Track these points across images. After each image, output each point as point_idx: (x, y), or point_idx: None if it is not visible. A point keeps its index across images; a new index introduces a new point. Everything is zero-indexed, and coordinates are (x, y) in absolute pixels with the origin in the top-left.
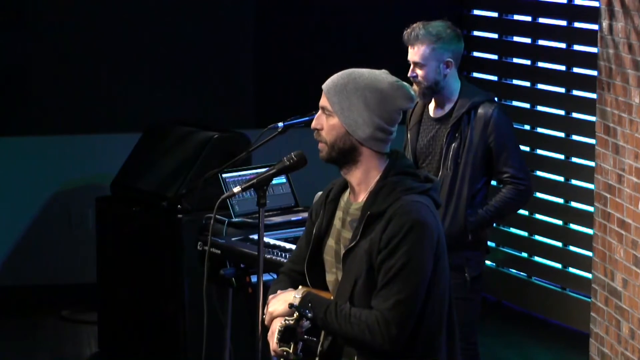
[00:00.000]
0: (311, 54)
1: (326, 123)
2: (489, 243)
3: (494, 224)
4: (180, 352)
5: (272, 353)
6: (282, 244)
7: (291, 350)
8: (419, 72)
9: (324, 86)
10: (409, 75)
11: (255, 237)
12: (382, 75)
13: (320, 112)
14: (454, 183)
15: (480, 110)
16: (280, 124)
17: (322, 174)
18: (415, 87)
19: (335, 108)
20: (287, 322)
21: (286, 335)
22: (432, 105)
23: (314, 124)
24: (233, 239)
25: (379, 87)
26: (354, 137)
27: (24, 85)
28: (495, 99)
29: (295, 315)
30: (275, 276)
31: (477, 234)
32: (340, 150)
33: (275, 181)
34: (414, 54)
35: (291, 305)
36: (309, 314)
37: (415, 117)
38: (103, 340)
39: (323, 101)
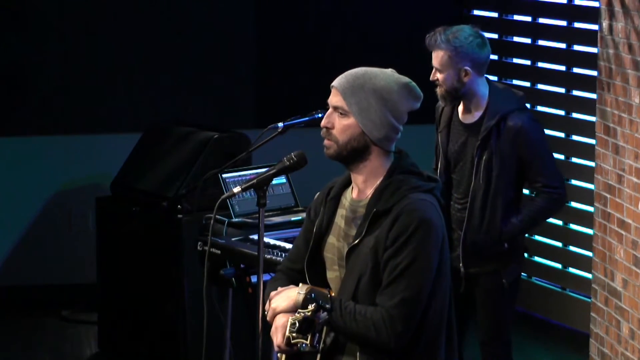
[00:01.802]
0: (311, 54)
1: (339, 122)
2: None
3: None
4: (180, 352)
5: (276, 349)
6: (282, 244)
7: (308, 342)
8: (439, 76)
9: (337, 85)
10: (431, 78)
11: (255, 237)
12: (395, 75)
13: (331, 110)
14: (486, 195)
15: (509, 122)
16: (280, 124)
17: (322, 174)
18: (438, 90)
19: (352, 108)
20: (303, 313)
21: (304, 326)
22: (461, 108)
23: (324, 122)
24: (233, 239)
25: (395, 88)
26: (368, 137)
27: (24, 85)
28: (527, 104)
29: (311, 306)
30: None
31: (513, 243)
32: (352, 149)
33: (275, 181)
34: (434, 59)
35: (310, 296)
36: (327, 305)
37: (444, 120)
38: (103, 340)
39: (337, 101)
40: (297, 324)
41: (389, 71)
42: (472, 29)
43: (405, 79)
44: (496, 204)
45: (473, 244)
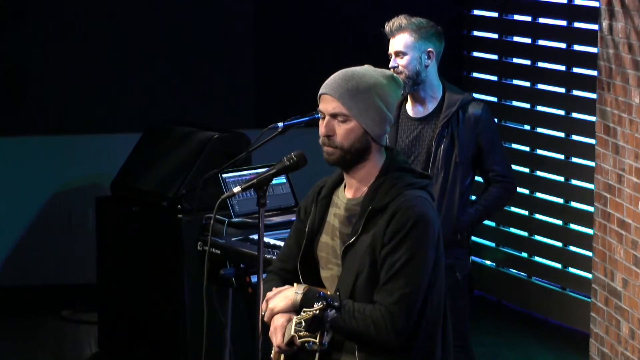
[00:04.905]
0: (311, 54)
1: (340, 128)
2: (489, 243)
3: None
4: (180, 352)
5: (276, 349)
6: (282, 244)
7: (317, 341)
8: (400, 61)
9: (331, 92)
10: (390, 66)
11: (255, 237)
12: (377, 70)
13: (328, 118)
14: (445, 183)
15: (470, 110)
16: (280, 124)
17: (322, 174)
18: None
19: (353, 112)
20: (312, 312)
21: (313, 325)
22: (409, 105)
23: (325, 132)
24: (233, 239)
25: (384, 82)
26: (370, 136)
27: (24, 85)
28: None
29: (317, 305)
30: None
31: (464, 234)
32: (356, 151)
33: (275, 181)
34: (396, 43)
35: (319, 295)
36: (336, 304)
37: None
38: (103, 340)
39: (335, 107)
40: (304, 323)
41: (369, 67)
42: (429, 21)
43: (387, 71)
44: (454, 192)
45: None
